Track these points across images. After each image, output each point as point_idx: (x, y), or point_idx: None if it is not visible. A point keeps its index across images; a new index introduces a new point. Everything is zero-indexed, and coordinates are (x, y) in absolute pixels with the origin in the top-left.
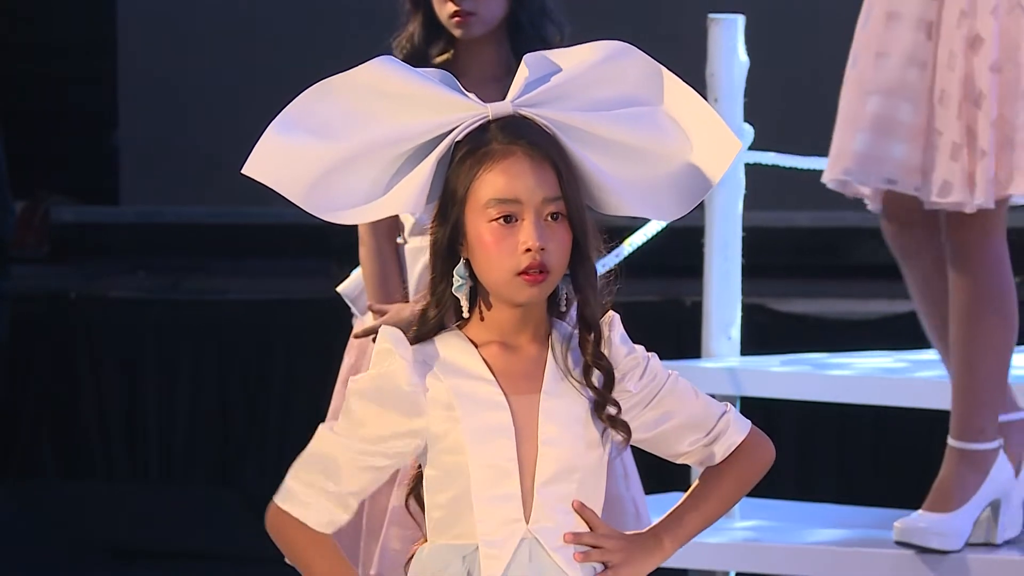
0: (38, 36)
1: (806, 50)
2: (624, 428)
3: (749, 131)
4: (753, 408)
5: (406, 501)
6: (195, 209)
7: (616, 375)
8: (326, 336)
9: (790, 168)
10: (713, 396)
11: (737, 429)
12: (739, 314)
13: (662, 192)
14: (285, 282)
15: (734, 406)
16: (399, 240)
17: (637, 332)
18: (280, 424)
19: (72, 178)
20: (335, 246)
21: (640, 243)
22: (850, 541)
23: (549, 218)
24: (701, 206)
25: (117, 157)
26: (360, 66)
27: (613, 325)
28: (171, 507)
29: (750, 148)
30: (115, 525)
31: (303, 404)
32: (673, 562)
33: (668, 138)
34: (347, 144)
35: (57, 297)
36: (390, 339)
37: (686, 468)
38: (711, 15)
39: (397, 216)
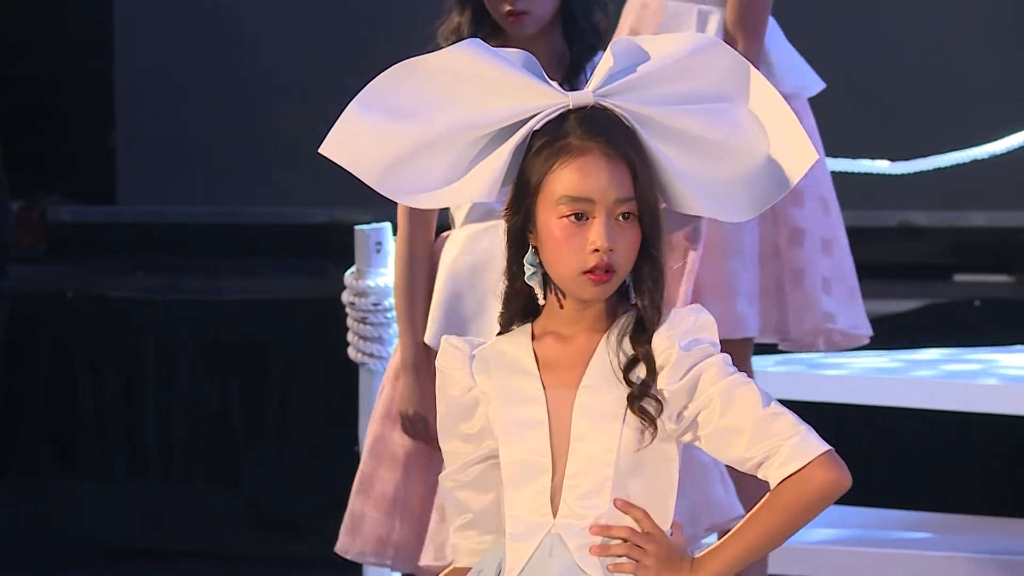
0: (36, 36)
1: (801, 49)
2: (652, 424)
3: None
4: None
5: None
6: (194, 209)
7: (656, 368)
8: (325, 336)
9: None
10: None
11: (799, 453)
12: None
13: (734, 191)
14: (284, 282)
15: None
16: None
17: None
18: (279, 424)
19: (70, 178)
20: (334, 246)
21: None
22: (845, 540)
23: (620, 218)
24: None
25: (115, 157)
26: (446, 48)
27: (677, 318)
28: (170, 507)
29: None
30: (113, 525)
31: (302, 404)
32: None
33: (746, 136)
34: (428, 127)
35: (55, 297)
36: (444, 350)
37: None
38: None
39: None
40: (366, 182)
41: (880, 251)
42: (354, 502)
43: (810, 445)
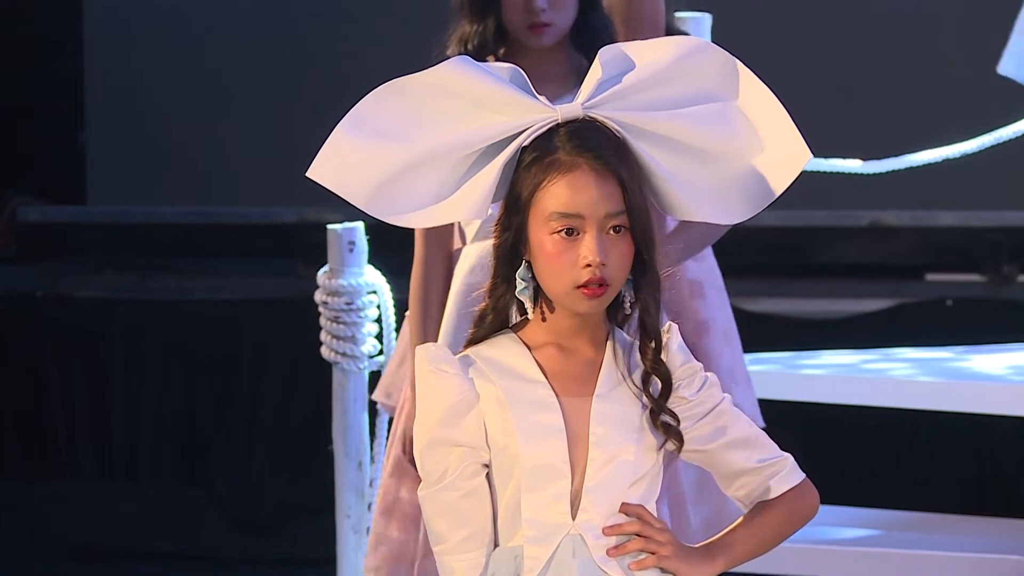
0: (4, 34)
1: (774, 49)
2: (678, 437)
3: None
4: None
5: None
6: (162, 209)
7: (672, 382)
8: (294, 336)
9: None
10: None
11: (796, 471)
12: None
13: (730, 193)
14: (252, 282)
15: None
16: (458, 246)
17: None
18: (247, 424)
19: (39, 178)
20: (303, 246)
21: None
22: (817, 539)
23: (611, 231)
24: None
25: (84, 157)
26: (433, 67)
27: (672, 333)
28: (138, 507)
29: None
30: (81, 525)
31: (270, 404)
32: None
33: (738, 137)
34: (416, 146)
35: (24, 297)
36: (429, 359)
37: None
38: (678, 14)
39: (454, 224)
40: (355, 205)
41: (851, 251)
42: (369, 558)
43: (797, 467)
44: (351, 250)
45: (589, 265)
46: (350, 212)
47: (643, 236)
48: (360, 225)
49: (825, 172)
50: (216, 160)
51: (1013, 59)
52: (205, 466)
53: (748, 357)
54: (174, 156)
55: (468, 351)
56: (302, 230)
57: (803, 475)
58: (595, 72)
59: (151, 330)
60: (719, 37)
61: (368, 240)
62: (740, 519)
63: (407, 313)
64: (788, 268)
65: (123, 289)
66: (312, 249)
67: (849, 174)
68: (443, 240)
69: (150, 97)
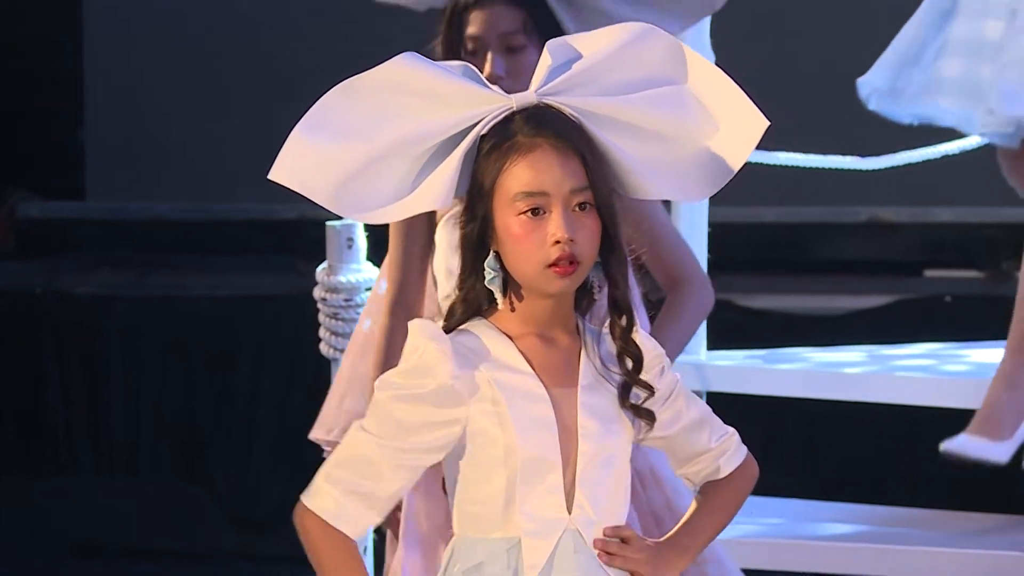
0: (3, 32)
1: (772, 46)
2: (649, 416)
3: None
4: (719, 403)
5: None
6: (161, 205)
7: (643, 362)
8: (293, 332)
9: (756, 164)
10: None
11: (741, 447)
12: None
13: (689, 173)
14: (251, 278)
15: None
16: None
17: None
18: (246, 421)
19: (39, 175)
20: (302, 242)
21: None
22: (816, 536)
23: (577, 208)
24: (667, 201)
25: (83, 153)
26: (382, 64)
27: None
28: (137, 504)
29: None
30: (80, 521)
31: (270, 400)
32: None
33: (693, 117)
34: (374, 144)
35: (23, 293)
36: (425, 333)
37: None
38: None
39: (433, 216)
40: (319, 203)
41: (850, 247)
42: None
43: (739, 438)
44: (350, 246)
45: (558, 242)
46: None
47: (608, 213)
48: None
49: (823, 168)
50: (215, 157)
51: (880, 90)
52: (204, 463)
53: (747, 353)
54: (173, 153)
55: (452, 338)
56: (301, 227)
57: (745, 449)
58: (545, 60)
59: (150, 327)
60: (719, 35)
61: (367, 236)
62: (695, 505)
63: (348, 345)
64: (786, 264)
65: (122, 286)
66: (311, 246)
67: (847, 170)
68: (424, 232)
69: (149, 95)
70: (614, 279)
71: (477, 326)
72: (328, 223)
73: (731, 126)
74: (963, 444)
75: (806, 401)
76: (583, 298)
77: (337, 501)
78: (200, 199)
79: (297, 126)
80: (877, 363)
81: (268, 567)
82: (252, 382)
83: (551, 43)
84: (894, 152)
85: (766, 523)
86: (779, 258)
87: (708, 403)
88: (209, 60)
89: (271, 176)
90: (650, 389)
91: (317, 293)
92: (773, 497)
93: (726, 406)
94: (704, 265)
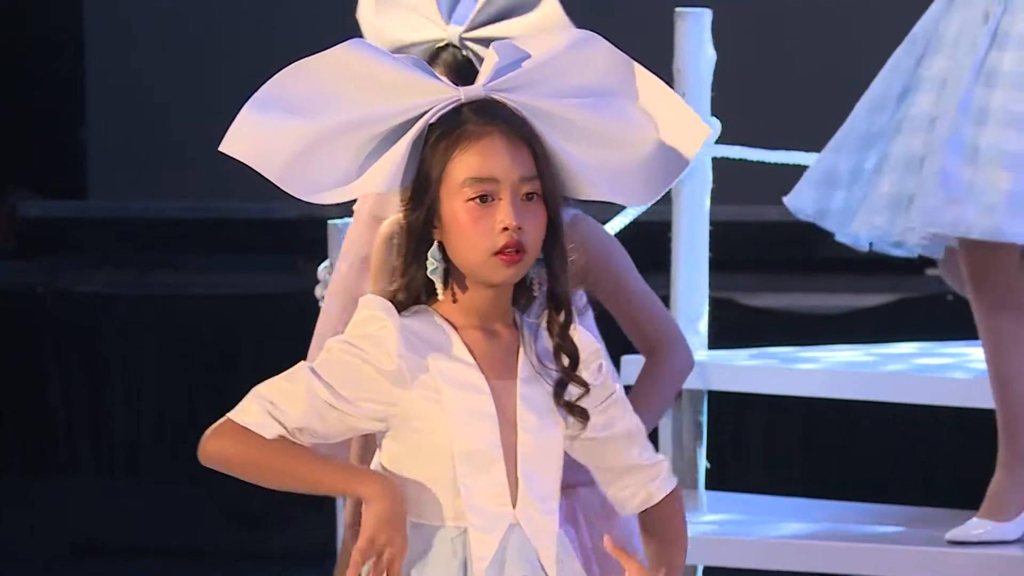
0: (5, 32)
1: (774, 44)
2: (582, 414)
3: (716, 125)
4: (721, 402)
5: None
6: (162, 204)
7: (579, 358)
8: (292, 331)
9: (758, 162)
10: (682, 391)
11: (671, 476)
12: (707, 308)
13: (631, 177)
14: (252, 277)
15: (703, 400)
16: None
17: (605, 327)
18: None
19: (39, 173)
20: (302, 241)
21: None
22: (818, 535)
23: (525, 198)
24: (668, 200)
25: (85, 152)
26: (334, 48)
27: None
28: (137, 502)
29: (717, 142)
30: (81, 521)
31: None
32: (641, 556)
33: (635, 125)
34: (321, 123)
35: (24, 292)
36: (379, 307)
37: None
38: (678, 9)
39: None
40: (269, 178)
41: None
42: None
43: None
44: None
45: (506, 229)
46: (348, 208)
47: (554, 204)
48: None
49: None
50: (215, 156)
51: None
52: None
53: (749, 352)
54: (174, 153)
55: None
56: (301, 225)
57: (675, 480)
58: (492, 58)
59: (151, 326)
60: (719, 32)
61: None
62: (653, 542)
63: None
64: (788, 263)
65: (123, 285)
66: (311, 244)
67: None
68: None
69: (150, 94)
70: (555, 273)
71: (422, 313)
72: (329, 221)
73: (672, 136)
74: (967, 531)
75: (807, 400)
76: (522, 294)
77: (261, 420)
78: (200, 198)
79: (249, 101)
80: (879, 362)
81: (267, 565)
82: (252, 381)
83: (496, 43)
84: None
85: (766, 522)
86: (781, 257)
87: (709, 402)
88: (210, 60)
89: (221, 148)
90: (585, 386)
91: (318, 292)
92: (774, 496)
93: (728, 405)
94: (705, 264)
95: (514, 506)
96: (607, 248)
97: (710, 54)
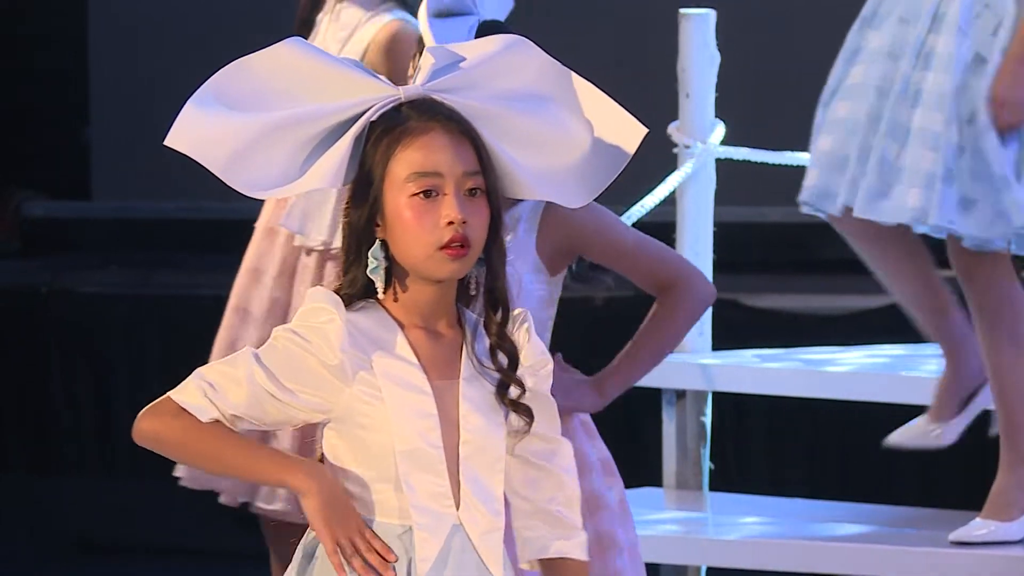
0: (9, 31)
1: (778, 46)
2: (527, 412)
3: (720, 126)
4: (725, 403)
5: None
6: (167, 204)
7: (518, 356)
8: None
9: (761, 163)
10: (685, 391)
11: (585, 549)
12: (711, 309)
13: (569, 178)
14: None
15: (707, 401)
16: None
17: (608, 327)
18: None
19: (44, 173)
20: None
21: None
22: (821, 536)
23: (468, 193)
24: (672, 201)
25: (89, 152)
26: (274, 45)
27: (527, 320)
28: (143, 502)
29: (721, 143)
30: (85, 520)
31: None
32: (645, 557)
33: (570, 129)
34: (262, 119)
35: (27, 292)
36: (327, 300)
37: (657, 461)
38: (682, 10)
39: None
40: (213, 171)
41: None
42: None
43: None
44: None
45: (451, 223)
46: None
47: (496, 201)
48: None
49: None
50: None
51: None
52: None
53: (753, 353)
54: (178, 153)
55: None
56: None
57: (587, 558)
58: (428, 60)
59: (154, 326)
60: (723, 33)
61: None
62: None
63: None
64: (791, 264)
65: (127, 284)
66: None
67: None
68: None
69: (154, 94)
70: (494, 270)
71: (370, 308)
72: None
73: (608, 137)
74: (970, 532)
75: (811, 400)
76: (463, 293)
77: (200, 403)
78: (205, 198)
79: (191, 97)
80: (882, 363)
81: (268, 566)
82: None
83: (431, 47)
84: None
85: (770, 522)
86: (784, 258)
87: (713, 403)
88: (214, 60)
89: (166, 142)
90: (522, 386)
91: None
92: (777, 497)
93: (731, 405)
94: (709, 265)
95: (457, 507)
96: (586, 216)
97: (714, 55)
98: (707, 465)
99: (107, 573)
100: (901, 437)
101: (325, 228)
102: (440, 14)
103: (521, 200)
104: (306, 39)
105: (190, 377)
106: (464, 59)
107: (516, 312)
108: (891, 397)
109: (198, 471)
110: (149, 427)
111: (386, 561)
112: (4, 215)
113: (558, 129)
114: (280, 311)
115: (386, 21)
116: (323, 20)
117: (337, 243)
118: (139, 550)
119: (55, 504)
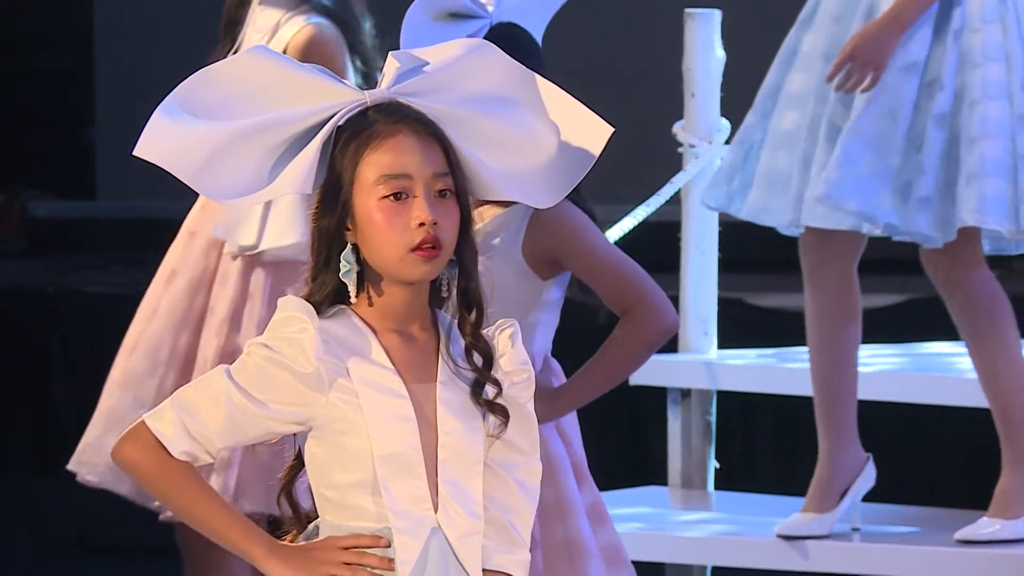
0: (15, 30)
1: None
2: (503, 412)
3: (726, 126)
4: (730, 402)
5: (278, 499)
6: (171, 204)
7: (492, 356)
8: None
9: None
10: (690, 390)
11: (525, 561)
12: (716, 308)
13: (536, 180)
14: None
15: (712, 400)
16: None
17: (613, 327)
18: None
19: (49, 173)
20: None
21: (616, 238)
22: (827, 535)
23: (438, 195)
24: (677, 201)
25: (94, 152)
26: (239, 53)
27: (514, 329)
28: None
29: (727, 142)
30: (85, 520)
31: None
32: (650, 556)
33: (536, 131)
34: (228, 127)
35: (33, 292)
36: (299, 308)
37: (662, 460)
38: (688, 10)
39: None
40: (182, 180)
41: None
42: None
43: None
44: None
45: (422, 224)
46: None
47: (466, 201)
48: None
49: None
50: None
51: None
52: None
53: (758, 352)
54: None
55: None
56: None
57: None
58: (392, 65)
59: None
60: (728, 33)
61: None
62: None
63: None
64: (797, 263)
65: (132, 284)
66: None
67: None
68: None
69: (160, 94)
70: (467, 270)
71: (341, 315)
72: None
73: (574, 138)
74: (976, 531)
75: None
76: (435, 295)
77: (176, 433)
78: None
79: (158, 107)
80: (887, 362)
81: None
82: None
83: (395, 52)
84: None
85: (775, 522)
86: (790, 257)
87: (718, 402)
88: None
89: (136, 152)
90: (498, 384)
91: None
92: (782, 496)
93: (736, 404)
94: (715, 265)
95: (436, 510)
96: (569, 227)
97: (719, 54)
98: (712, 464)
99: (107, 573)
100: (787, 529)
101: (254, 233)
102: (440, 17)
103: (513, 203)
104: (233, 39)
105: (166, 401)
106: (428, 63)
107: (504, 320)
108: (895, 396)
109: None
110: (127, 456)
111: (381, 558)
112: (9, 215)
113: (524, 131)
114: (193, 318)
115: (301, 25)
116: (248, 19)
117: (265, 247)
118: (139, 550)
119: (57, 504)
